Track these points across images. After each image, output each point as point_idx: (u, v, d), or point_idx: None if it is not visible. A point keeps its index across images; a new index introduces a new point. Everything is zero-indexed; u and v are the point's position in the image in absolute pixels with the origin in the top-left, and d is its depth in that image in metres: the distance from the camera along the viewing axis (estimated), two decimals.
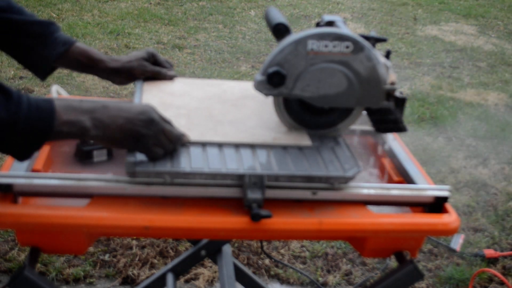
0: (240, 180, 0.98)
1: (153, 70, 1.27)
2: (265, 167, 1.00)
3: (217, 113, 1.17)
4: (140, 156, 0.98)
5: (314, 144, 1.10)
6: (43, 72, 1.21)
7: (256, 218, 0.95)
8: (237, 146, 1.06)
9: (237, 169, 0.99)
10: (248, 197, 0.96)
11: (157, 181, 0.97)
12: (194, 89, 1.27)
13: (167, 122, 1.01)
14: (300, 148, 1.08)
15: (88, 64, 1.22)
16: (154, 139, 0.97)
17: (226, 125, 1.13)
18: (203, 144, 1.05)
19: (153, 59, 1.28)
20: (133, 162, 0.96)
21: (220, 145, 1.06)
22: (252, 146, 1.07)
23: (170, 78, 1.30)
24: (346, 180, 1.01)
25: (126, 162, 0.96)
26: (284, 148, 1.08)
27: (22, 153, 0.89)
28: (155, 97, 1.20)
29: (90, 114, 0.93)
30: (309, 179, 0.99)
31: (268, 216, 0.95)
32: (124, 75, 1.25)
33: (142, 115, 0.96)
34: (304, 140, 1.11)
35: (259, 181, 0.97)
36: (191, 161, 0.99)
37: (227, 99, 1.24)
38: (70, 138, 0.93)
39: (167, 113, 1.10)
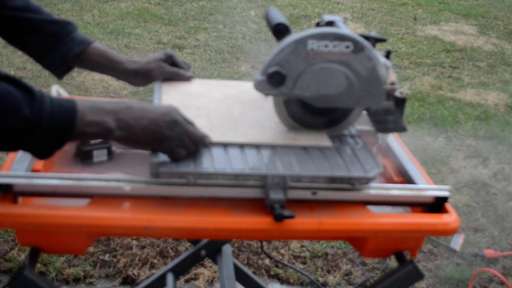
0: (262, 181, 0.98)
1: (171, 71, 1.28)
2: (287, 168, 1.00)
3: (237, 114, 1.18)
4: (163, 157, 0.98)
5: (334, 144, 1.11)
6: (60, 71, 1.22)
7: (279, 218, 0.95)
8: (258, 147, 1.07)
9: (260, 169, 0.99)
10: (270, 197, 0.97)
11: (180, 182, 0.98)
12: (212, 90, 1.27)
13: (190, 123, 1.01)
14: (320, 149, 1.09)
15: (106, 65, 1.22)
16: (178, 140, 0.97)
17: (246, 126, 1.13)
18: (225, 145, 1.06)
19: (170, 60, 1.29)
20: (157, 163, 0.96)
21: (241, 146, 1.06)
22: (273, 147, 1.07)
23: (188, 79, 1.30)
24: (368, 180, 1.02)
25: (151, 162, 0.96)
26: (305, 148, 1.08)
27: (43, 152, 0.89)
28: (174, 98, 1.21)
29: (114, 115, 0.93)
30: (331, 179, 1.00)
31: (291, 217, 0.96)
32: (142, 76, 1.25)
33: (166, 116, 0.96)
34: (324, 140, 1.11)
35: (282, 182, 0.97)
36: (213, 161, 1.00)
37: (245, 100, 1.24)
38: (94, 139, 0.93)
39: (187, 114, 1.10)
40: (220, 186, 0.99)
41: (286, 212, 0.96)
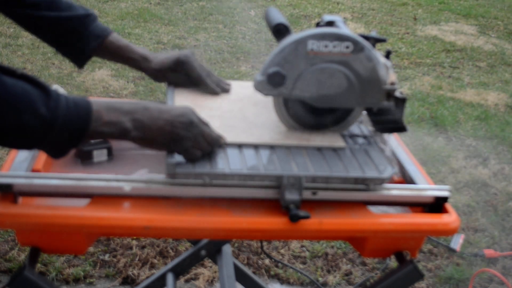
0: (277, 181, 0.98)
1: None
2: (302, 168, 1.01)
3: (250, 114, 1.18)
4: (179, 158, 0.99)
5: (347, 145, 1.11)
6: (79, 62, 1.23)
7: (294, 218, 0.96)
8: (273, 147, 1.07)
9: (275, 170, 0.99)
10: (286, 198, 0.97)
11: (196, 182, 0.98)
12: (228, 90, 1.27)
13: (205, 124, 1.02)
14: (334, 150, 1.09)
15: (123, 59, 1.22)
16: (193, 141, 0.98)
17: (260, 127, 1.14)
18: (239, 146, 1.06)
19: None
20: (174, 163, 0.96)
21: (256, 147, 1.07)
22: (287, 148, 1.08)
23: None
24: (382, 181, 1.02)
25: (167, 163, 0.96)
26: (319, 149, 1.09)
27: (57, 151, 0.89)
28: (188, 98, 1.21)
29: (131, 115, 0.93)
30: (346, 180, 1.00)
31: (307, 217, 0.96)
32: (160, 74, 1.23)
33: (182, 117, 0.97)
34: (338, 141, 1.12)
35: (297, 182, 0.97)
36: (229, 162, 1.00)
37: (258, 100, 1.24)
38: (110, 138, 0.94)
39: (201, 114, 1.11)
40: (235, 187, 0.99)
41: (302, 213, 0.96)
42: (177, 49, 1.29)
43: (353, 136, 1.16)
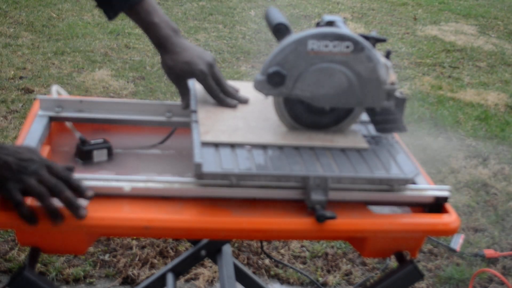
0: (303, 182, 0.98)
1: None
2: (327, 169, 1.01)
3: (272, 115, 1.18)
4: (208, 158, 0.99)
5: (370, 146, 1.11)
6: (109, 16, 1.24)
7: (321, 219, 0.96)
8: (297, 148, 1.08)
9: (301, 171, 1.00)
10: (312, 198, 0.97)
11: (223, 183, 0.98)
12: (244, 91, 1.27)
13: (46, 161, 0.95)
14: (358, 150, 1.09)
15: (147, 35, 1.22)
16: (36, 176, 0.92)
17: (283, 127, 1.14)
18: (264, 147, 1.07)
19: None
20: (201, 164, 0.96)
21: (280, 147, 1.07)
22: (312, 148, 1.08)
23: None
24: (406, 182, 1.02)
25: (194, 164, 0.97)
26: (342, 150, 1.09)
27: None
28: (210, 98, 1.21)
29: None
30: (371, 181, 1.01)
31: (333, 218, 0.96)
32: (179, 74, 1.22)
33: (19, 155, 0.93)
34: (361, 142, 1.12)
35: (323, 183, 0.98)
36: (255, 163, 1.01)
37: None
38: None
39: (224, 115, 1.12)
40: (260, 188, 0.99)
41: (328, 213, 0.96)
42: (199, 51, 1.20)
43: (374, 137, 1.16)
